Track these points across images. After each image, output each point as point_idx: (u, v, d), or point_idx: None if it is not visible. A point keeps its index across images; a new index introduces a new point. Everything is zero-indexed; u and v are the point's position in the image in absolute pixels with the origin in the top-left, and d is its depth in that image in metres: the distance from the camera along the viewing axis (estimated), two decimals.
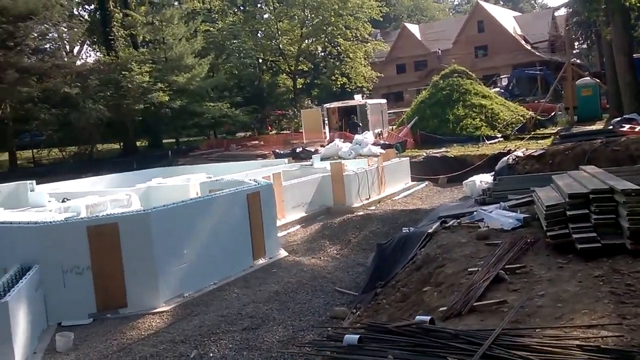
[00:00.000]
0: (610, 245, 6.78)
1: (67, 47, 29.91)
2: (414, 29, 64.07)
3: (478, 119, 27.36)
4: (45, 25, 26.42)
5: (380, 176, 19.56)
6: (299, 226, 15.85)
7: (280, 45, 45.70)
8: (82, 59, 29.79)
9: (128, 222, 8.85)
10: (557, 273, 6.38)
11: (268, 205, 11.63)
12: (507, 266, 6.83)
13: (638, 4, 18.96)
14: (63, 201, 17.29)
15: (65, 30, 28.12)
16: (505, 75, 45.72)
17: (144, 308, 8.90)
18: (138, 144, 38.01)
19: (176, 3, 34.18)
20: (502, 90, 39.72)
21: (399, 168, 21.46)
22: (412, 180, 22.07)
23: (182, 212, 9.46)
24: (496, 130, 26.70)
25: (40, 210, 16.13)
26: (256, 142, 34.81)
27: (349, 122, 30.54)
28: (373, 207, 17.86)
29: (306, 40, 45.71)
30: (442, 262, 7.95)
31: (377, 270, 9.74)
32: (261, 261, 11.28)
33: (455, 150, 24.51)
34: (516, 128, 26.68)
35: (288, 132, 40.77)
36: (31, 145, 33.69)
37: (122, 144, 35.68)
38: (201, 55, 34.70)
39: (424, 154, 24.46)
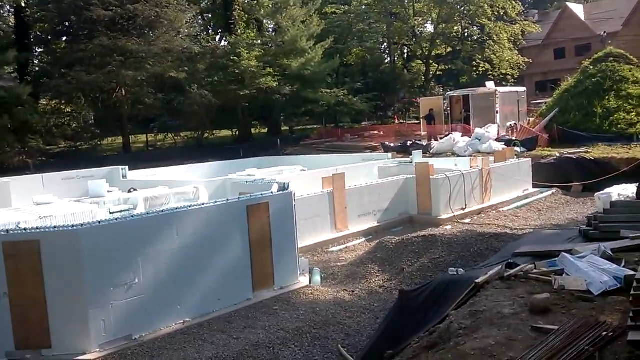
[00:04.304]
0: None
1: (177, 30, 29.44)
2: (577, 9, 56.42)
3: (634, 113, 22.15)
4: (156, 9, 25.99)
5: (484, 181, 15.91)
6: (363, 239, 13.04)
7: (415, 28, 42.05)
8: (194, 43, 28.95)
9: (52, 239, 6.82)
10: None
11: (284, 219, 8.99)
12: None
13: None
14: (129, 192, 16.22)
15: (176, 13, 27.63)
16: None
17: (70, 351, 6.84)
18: (256, 131, 37.16)
19: None
20: None
21: (516, 171, 17.51)
22: (536, 187, 17.99)
23: (129, 231, 7.20)
24: None
25: (97, 202, 15.12)
26: (374, 132, 31.98)
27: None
28: (468, 220, 14.42)
29: (444, 23, 41.52)
30: (445, 355, 4.81)
31: (389, 331, 6.69)
32: (266, 293, 8.70)
33: (598, 151, 19.86)
34: None
35: (417, 122, 37.40)
36: (164, 129, 34.17)
37: (235, 130, 34.93)
38: (319, 39, 32.62)
39: (557, 154, 20.06)
